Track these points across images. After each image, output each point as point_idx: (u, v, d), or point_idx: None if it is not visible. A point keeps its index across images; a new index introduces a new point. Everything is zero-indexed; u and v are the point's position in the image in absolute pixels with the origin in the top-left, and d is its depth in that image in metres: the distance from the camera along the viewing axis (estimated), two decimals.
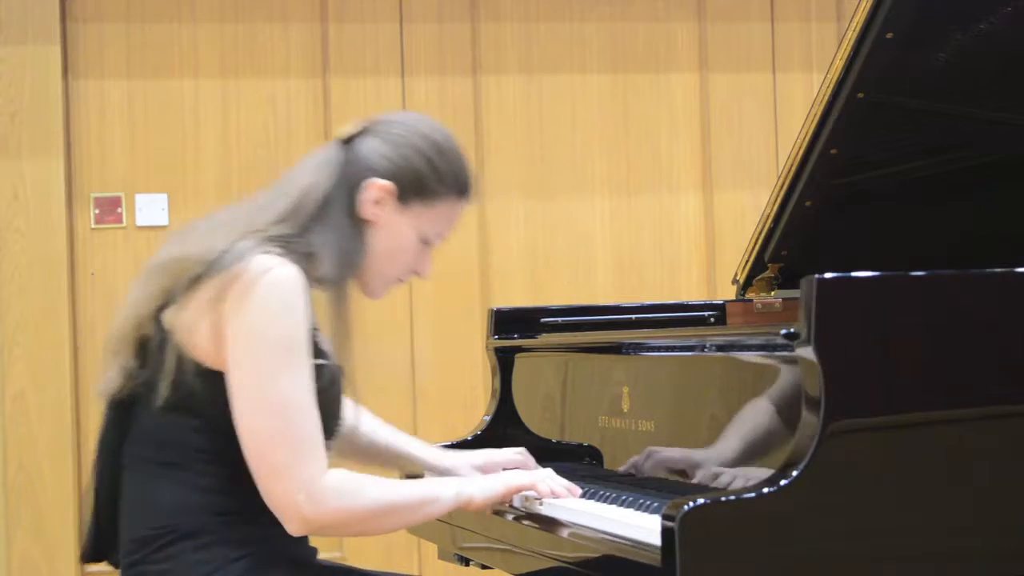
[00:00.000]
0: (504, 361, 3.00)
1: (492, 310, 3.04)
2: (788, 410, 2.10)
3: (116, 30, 4.46)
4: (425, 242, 2.37)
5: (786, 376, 2.10)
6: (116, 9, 4.46)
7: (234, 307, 2.17)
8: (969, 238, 2.89)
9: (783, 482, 1.94)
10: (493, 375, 3.02)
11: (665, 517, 1.92)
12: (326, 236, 2.28)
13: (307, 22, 4.56)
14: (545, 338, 2.96)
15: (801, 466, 1.94)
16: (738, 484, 2.20)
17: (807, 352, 1.99)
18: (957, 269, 2.08)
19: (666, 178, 4.77)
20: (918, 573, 2.01)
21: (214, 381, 2.19)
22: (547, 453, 2.81)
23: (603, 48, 4.74)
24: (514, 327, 3.00)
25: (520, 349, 2.97)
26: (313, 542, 2.36)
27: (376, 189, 2.31)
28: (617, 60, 4.75)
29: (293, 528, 2.20)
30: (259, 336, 2.16)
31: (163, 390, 2.20)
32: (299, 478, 2.17)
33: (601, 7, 4.73)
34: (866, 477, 1.98)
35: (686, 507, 1.90)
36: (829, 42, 4.79)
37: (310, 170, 2.33)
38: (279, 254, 2.21)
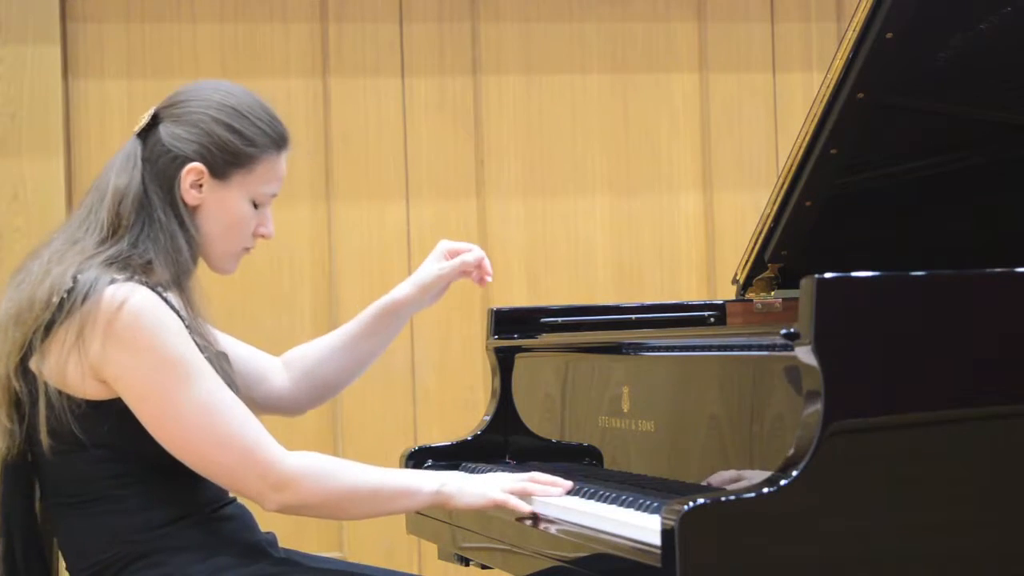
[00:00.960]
0: (504, 361, 3.00)
1: (492, 310, 3.04)
2: (788, 410, 2.10)
3: (116, 30, 4.46)
4: (258, 205, 2.34)
5: (786, 376, 2.10)
6: (116, 9, 4.46)
7: (104, 348, 2.14)
8: (969, 238, 2.89)
9: (783, 482, 1.94)
10: (493, 375, 3.02)
11: (665, 517, 1.92)
12: (157, 241, 2.24)
13: (307, 22, 4.56)
14: (545, 338, 2.96)
15: (801, 466, 1.94)
16: (739, 484, 2.20)
17: (807, 352, 1.99)
18: (957, 269, 2.08)
19: (666, 178, 4.77)
20: (918, 573, 2.01)
21: (101, 411, 2.17)
22: (547, 453, 2.81)
23: (603, 48, 4.74)
24: (514, 327, 3.00)
25: (520, 349, 2.97)
26: (311, 539, 2.36)
27: (189, 174, 2.27)
28: (617, 60, 4.75)
29: (271, 511, 2.22)
30: (146, 369, 2.15)
31: (44, 438, 2.17)
32: (259, 469, 2.18)
33: (601, 7, 4.73)
34: (866, 477, 1.98)
35: (686, 507, 1.90)
36: (829, 42, 4.79)
37: (115, 173, 2.29)
38: (126, 278, 2.18)
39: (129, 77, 4.45)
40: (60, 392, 2.17)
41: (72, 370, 2.16)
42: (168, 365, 2.15)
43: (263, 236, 2.36)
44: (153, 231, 2.25)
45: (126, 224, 2.24)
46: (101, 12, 4.45)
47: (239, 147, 2.29)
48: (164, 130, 2.29)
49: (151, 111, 2.32)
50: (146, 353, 2.15)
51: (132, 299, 2.15)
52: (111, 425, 2.18)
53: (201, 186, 2.28)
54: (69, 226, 2.29)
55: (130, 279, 2.18)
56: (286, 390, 2.59)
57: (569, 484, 2.39)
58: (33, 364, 2.19)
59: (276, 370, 2.60)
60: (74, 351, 2.15)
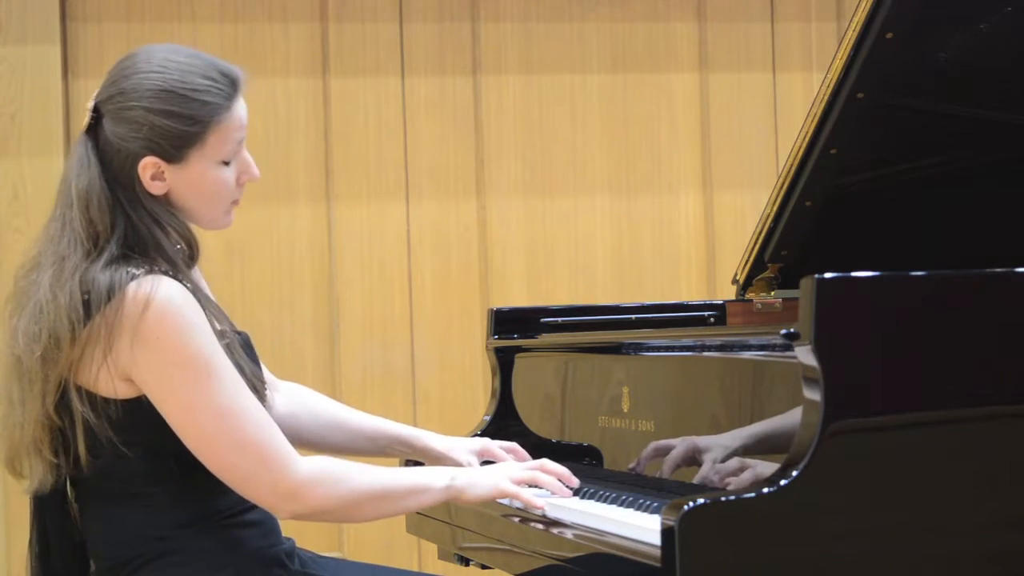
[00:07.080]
0: (504, 361, 3.00)
1: (492, 310, 3.04)
2: (788, 410, 2.10)
3: (116, 30, 4.46)
4: (230, 161, 2.25)
5: (786, 376, 2.10)
6: (116, 9, 4.46)
7: (132, 350, 2.12)
8: (969, 238, 2.89)
9: (783, 482, 1.94)
10: (493, 375, 3.02)
11: (665, 517, 1.92)
12: (143, 239, 2.19)
13: (307, 22, 4.56)
14: (545, 338, 2.96)
15: (801, 466, 1.95)
16: (742, 481, 2.20)
17: (807, 352, 1.99)
18: (957, 269, 2.08)
19: (666, 178, 4.77)
20: (918, 573, 2.01)
21: (134, 409, 2.16)
22: (547, 453, 2.81)
23: (603, 48, 4.74)
24: (514, 327, 3.00)
25: (520, 349, 2.97)
26: (311, 539, 2.36)
27: (145, 169, 2.20)
28: (617, 60, 4.75)
29: (283, 517, 2.22)
30: (169, 367, 2.12)
31: (84, 458, 2.16)
32: (272, 477, 2.16)
33: (601, 7, 4.73)
34: (866, 477, 1.98)
35: (686, 507, 1.90)
36: (829, 42, 4.79)
37: (75, 177, 2.21)
38: (145, 272, 2.14)
39: None
40: (95, 399, 2.14)
41: (103, 377, 2.14)
42: (192, 365, 2.13)
43: (250, 179, 2.29)
44: (134, 230, 2.19)
45: (104, 229, 2.18)
46: (101, 12, 4.45)
47: (183, 129, 2.20)
48: (108, 128, 2.21)
49: (91, 105, 2.24)
50: (170, 352, 2.12)
51: (158, 295, 2.12)
52: (145, 422, 2.16)
53: (163, 174, 2.21)
54: (50, 242, 2.22)
55: (150, 272, 2.15)
56: (275, 409, 2.55)
57: (576, 482, 2.39)
58: (75, 380, 2.15)
59: (273, 385, 2.55)
60: (104, 361, 2.13)
